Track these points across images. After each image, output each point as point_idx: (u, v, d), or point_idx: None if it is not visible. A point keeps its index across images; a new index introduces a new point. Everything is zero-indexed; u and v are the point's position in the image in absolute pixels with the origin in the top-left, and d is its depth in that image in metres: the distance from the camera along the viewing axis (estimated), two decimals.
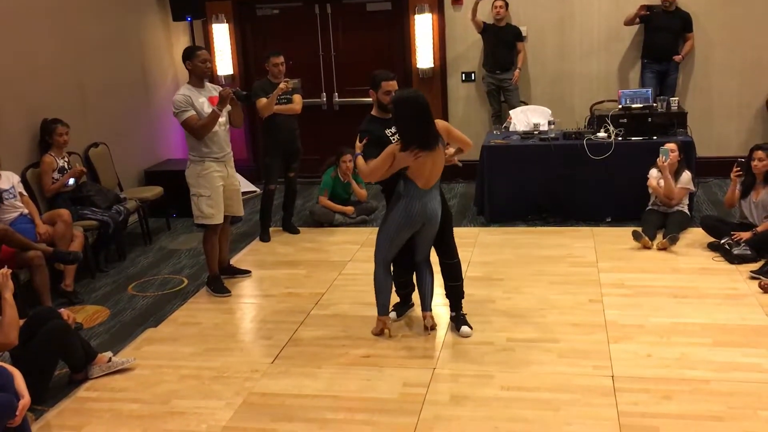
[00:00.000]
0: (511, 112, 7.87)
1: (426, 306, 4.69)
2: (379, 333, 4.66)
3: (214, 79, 8.80)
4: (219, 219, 5.49)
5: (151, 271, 6.29)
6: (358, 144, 4.48)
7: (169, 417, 3.94)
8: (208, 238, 5.58)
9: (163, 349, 4.76)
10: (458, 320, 4.75)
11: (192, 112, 5.27)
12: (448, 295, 4.79)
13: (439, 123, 4.35)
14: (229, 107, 5.42)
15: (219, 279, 5.68)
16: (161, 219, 7.51)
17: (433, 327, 4.70)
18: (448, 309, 4.86)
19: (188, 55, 5.37)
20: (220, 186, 5.45)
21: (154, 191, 7.32)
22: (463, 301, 4.80)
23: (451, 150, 4.56)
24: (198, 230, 6.97)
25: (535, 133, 7.18)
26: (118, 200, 6.62)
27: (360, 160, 4.42)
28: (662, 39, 7.88)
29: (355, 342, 4.67)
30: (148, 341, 4.89)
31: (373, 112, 4.58)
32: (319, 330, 4.89)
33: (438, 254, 4.70)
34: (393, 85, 4.50)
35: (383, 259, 4.54)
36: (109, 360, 4.44)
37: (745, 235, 5.70)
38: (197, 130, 5.29)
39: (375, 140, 4.41)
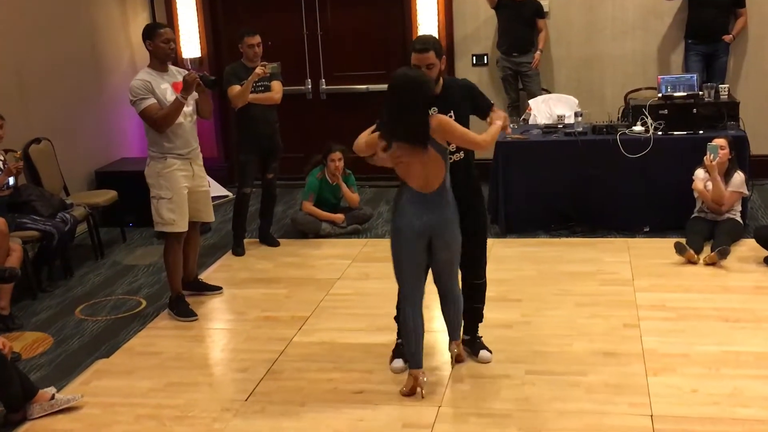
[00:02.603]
0: (530, 101, 7.88)
1: (455, 334, 4.65)
2: (409, 393, 4.40)
3: (178, 62, 8.81)
4: (182, 226, 5.49)
5: (102, 291, 6.28)
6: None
7: None
8: (169, 250, 5.57)
9: (116, 383, 4.74)
10: (474, 344, 4.77)
11: (152, 101, 5.29)
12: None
13: (435, 120, 4.17)
14: (195, 95, 5.43)
15: (183, 300, 5.67)
16: (115, 229, 7.50)
17: (461, 358, 4.70)
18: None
19: (149, 33, 5.40)
20: (184, 187, 5.47)
21: (107, 196, 7.32)
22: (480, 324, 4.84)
23: (496, 122, 4.36)
24: (159, 243, 6.97)
25: (559, 126, 7.19)
26: (63, 207, 6.61)
27: (371, 129, 4.36)
28: (709, 15, 7.90)
29: (346, 375, 4.66)
30: (98, 374, 4.87)
31: None
32: (303, 361, 4.87)
33: (462, 270, 4.65)
34: (423, 59, 4.25)
35: (404, 294, 4.40)
36: (52, 397, 4.42)
37: None
38: (158, 121, 5.29)
39: None
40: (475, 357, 4.74)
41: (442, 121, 4.19)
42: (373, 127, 4.37)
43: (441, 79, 4.38)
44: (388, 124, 4.17)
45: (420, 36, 4.59)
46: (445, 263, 4.40)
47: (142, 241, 7.43)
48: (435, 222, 4.24)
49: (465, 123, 4.37)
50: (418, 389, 4.36)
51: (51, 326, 5.65)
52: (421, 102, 4.10)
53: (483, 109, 4.49)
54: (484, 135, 4.28)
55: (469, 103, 4.45)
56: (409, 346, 4.42)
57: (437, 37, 8.33)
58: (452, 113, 4.34)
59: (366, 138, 4.33)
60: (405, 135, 4.13)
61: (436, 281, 4.49)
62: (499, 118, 4.39)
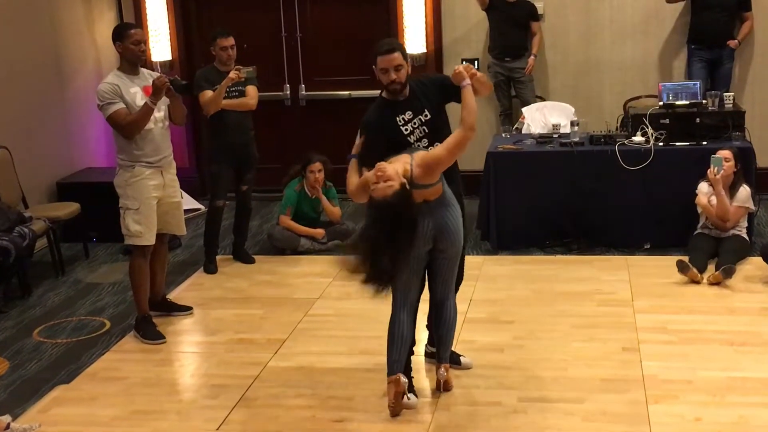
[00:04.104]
0: (523, 109, 7.90)
1: (444, 355, 4.64)
2: (395, 403, 4.40)
3: (146, 65, 8.80)
4: (149, 239, 5.50)
5: (63, 312, 6.24)
6: (357, 141, 4.49)
7: None
8: (135, 265, 5.57)
9: (77, 411, 4.71)
10: (451, 354, 4.79)
11: (120, 105, 5.32)
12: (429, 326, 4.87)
13: (416, 166, 4.21)
14: (167, 100, 5.47)
15: (150, 321, 5.65)
16: (77, 244, 7.46)
17: (449, 386, 4.68)
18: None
19: (118, 35, 5.45)
20: (153, 198, 5.49)
21: (69, 209, 7.28)
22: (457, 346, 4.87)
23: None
24: (124, 259, 6.95)
25: (555, 136, 7.22)
26: (21, 220, 6.57)
27: (352, 166, 4.42)
28: (713, 19, 7.96)
29: (325, 402, 4.65)
30: (58, 402, 4.83)
31: (383, 94, 4.58)
32: (279, 387, 4.86)
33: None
34: (390, 60, 4.40)
35: (398, 301, 4.44)
36: (7, 426, 4.38)
37: None
38: (126, 126, 5.33)
39: (379, 132, 4.42)
40: (459, 365, 4.82)
41: (425, 159, 4.24)
42: (354, 164, 4.42)
43: (408, 85, 4.48)
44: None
45: (382, 40, 4.64)
46: (445, 263, 4.43)
47: (106, 257, 7.39)
48: (439, 222, 4.33)
49: (443, 117, 4.53)
50: (404, 395, 4.40)
51: (7, 349, 5.60)
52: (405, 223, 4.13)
53: (456, 90, 4.48)
54: (463, 121, 4.29)
55: (441, 95, 4.53)
56: (392, 353, 4.43)
57: (425, 40, 8.46)
58: (427, 112, 4.46)
59: (357, 180, 4.36)
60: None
61: (432, 287, 4.52)
62: (458, 75, 4.37)
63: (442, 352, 4.62)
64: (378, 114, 4.51)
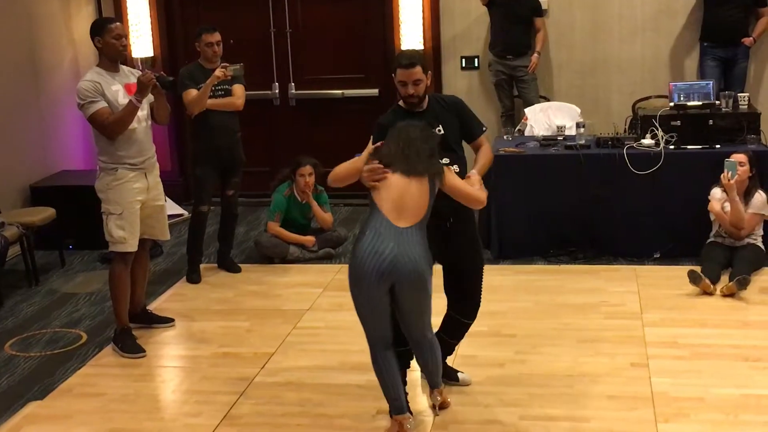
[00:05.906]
0: (526, 110, 7.92)
1: (435, 381, 4.61)
2: None
3: (127, 62, 8.80)
4: (132, 245, 5.52)
5: (37, 323, 6.24)
6: (369, 145, 4.51)
7: None
8: (115, 274, 5.57)
9: (50, 429, 4.70)
10: (446, 371, 4.81)
11: (102, 104, 5.34)
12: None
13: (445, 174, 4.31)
14: (151, 97, 5.48)
15: (130, 333, 5.65)
16: (52, 252, 7.46)
17: (446, 404, 4.67)
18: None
19: (98, 29, 5.47)
20: (136, 202, 5.50)
21: (44, 214, 7.28)
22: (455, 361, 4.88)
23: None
24: (102, 268, 6.96)
25: (559, 138, 7.23)
26: None
27: (353, 160, 4.48)
28: (728, 16, 7.99)
29: (315, 420, 4.65)
30: (30, 419, 4.83)
31: (399, 102, 4.63)
32: (266, 404, 4.86)
33: (450, 303, 4.75)
34: (410, 75, 4.44)
35: (369, 339, 4.35)
36: None
37: None
38: (109, 126, 5.34)
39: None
40: (456, 382, 4.85)
41: (449, 177, 4.30)
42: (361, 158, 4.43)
43: (426, 96, 4.54)
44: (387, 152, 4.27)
45: (404, 50, 4.73)
46: (412, 314, 4.31)
47: (83, 265, 7.39)
48: (400, 263, 4.11)
49: (456, 140, 4.56)
50: None
51: None
52: (426, 145, 4.26)
53: (472, 131, 4.64)
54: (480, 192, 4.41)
55: (458, 122, 4.59)
56: (386, 391, 4.37)
57: (423, 36, 8.47)
58: (440, 128, 4.49)
59: (348, 164, 4.40)
60: (404, 163, 4.23)
61: (406, 329, 4.39)
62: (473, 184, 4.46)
63: (432, 381, 4.60)
64: (391, 119, 4.54)
